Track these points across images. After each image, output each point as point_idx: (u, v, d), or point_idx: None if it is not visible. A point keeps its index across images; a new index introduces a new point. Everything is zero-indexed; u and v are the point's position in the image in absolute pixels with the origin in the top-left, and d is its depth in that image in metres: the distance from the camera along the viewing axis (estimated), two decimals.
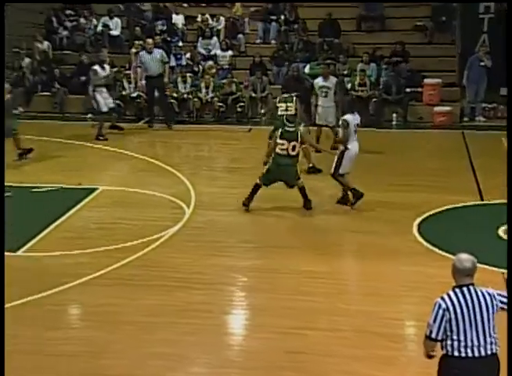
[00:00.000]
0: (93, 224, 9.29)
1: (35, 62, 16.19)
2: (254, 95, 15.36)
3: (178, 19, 17.28)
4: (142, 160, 12.31)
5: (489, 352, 4.32)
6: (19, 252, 8.26)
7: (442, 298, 4.37)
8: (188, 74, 15.60)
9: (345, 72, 15.47)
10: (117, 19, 17.04)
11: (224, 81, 15.63)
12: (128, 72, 15.50)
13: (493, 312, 4.37)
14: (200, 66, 16.02)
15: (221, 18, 17.09)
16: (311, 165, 11.27)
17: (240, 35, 16.89)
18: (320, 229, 9.28)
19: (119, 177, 11.50)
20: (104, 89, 13.57)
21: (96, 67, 13.53)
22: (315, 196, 9.86)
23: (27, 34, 17.03)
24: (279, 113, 11.23)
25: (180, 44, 16.85)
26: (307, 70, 15.67)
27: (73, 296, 7.36)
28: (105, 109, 13.59)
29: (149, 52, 14.28)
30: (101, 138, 13.47)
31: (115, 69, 15.72)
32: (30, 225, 9.10)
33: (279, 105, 11.43)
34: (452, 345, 4.35)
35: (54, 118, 14.99)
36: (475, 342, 4.30)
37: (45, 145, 12.72)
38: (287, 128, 9.57)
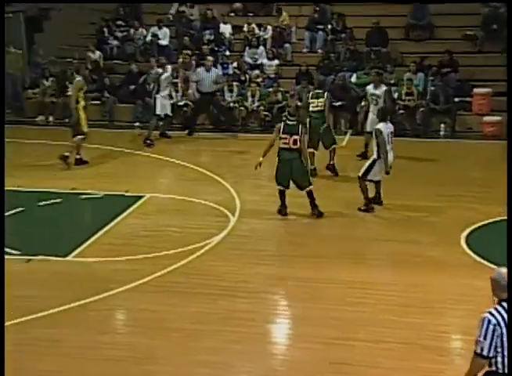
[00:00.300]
0: (140, 231, 9.41)
1: (87, 71, 16.53)
2: (299, 104, 15.34)
3: (226, 29, 17.43)
4: (188, 168, 12.43)
5: None
6: (69, 257, 8.45)
7: (491, 313, 4.30)
8: (234, 83, 15.70)
9: (392, 81, 15.34)
10: (165, 29, 17.29)
11: (270, 90, 15.68)
12: (175, 81, 15.69)
13: None
14: (247, 76, 16.11)
15: (268, 27, 17.17)
16: (313, 167, 11.41)
17: (287, 44, 16.93)
18: (361, 238, 9.20)
19: (165, 185, 11.65)
20: (166, 94, 14.06)
21: (159, 70, 14.01)
22: (348, 206, 9.83)
23: (79, 45, 17.43)
24: (311, 109, 11.38)
25: (227, 53, 17.00)
26: (353, 79, 15.62)
27: (119, 302, 7.47)
28: (160, 112, 13.89)
29: (207, 70, 14.61)
30: (148, 141, 13.68)
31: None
32: (80, 231, 9.29)
33: (310, 101, 11.64)
34: (502, 362, 4.28)
35: (103, 126, 15.24)
36: None
37: (94, 153, 12.96)
38: (288, 122, 9.62)
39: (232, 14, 18.04)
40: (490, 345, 4.25)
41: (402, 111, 14.57)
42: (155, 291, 7.60)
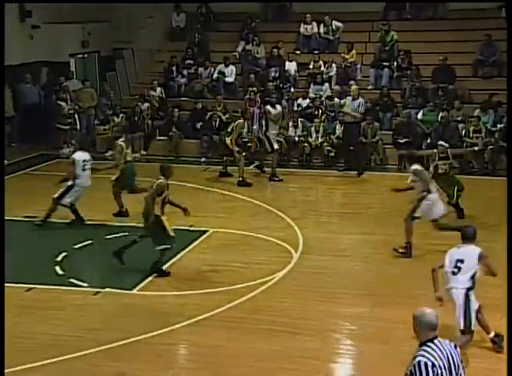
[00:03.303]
0: (203, 266, 9.49)
1: (152, 107, 17.00)
2: (364, 140, 15.31)
3: (291, 66, 17.63)
4: (252, 204, 12.50)
5: None
6: (134, 291, 8.59)
7: (424, 356, 4.18)
8: (299, 119, 15.81)
9: (459, 118, 15.12)
10: (232, 67, 17.63)
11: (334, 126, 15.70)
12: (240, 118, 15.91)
13: (459, 359, 4.29)
14: (320, 110, 16.11)
15: (333, 65, 17.28)
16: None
17: (352, 81, 16.96)
18: (428, 277, 8.95)
19: (228, 220, 11.72)
20: (275, 130, 14.38)
21: (268, 107, 14.39)
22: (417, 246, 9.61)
23: (147, 82, 17.97)
24: None
25: (292, 90, 17.16)
26: (419, 116, 15.48)
27: (182, 336, 7.53)
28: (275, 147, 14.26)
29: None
30: (276, 178, 13.97)
31: (227, 115, 16.23)
32: (145, 264, 9.41)
33: None
34: None
35: (169, 161, 15.52)
36: None
37: None
38: None
39: (298, 52, 18.26)
40: None
41: (469, 149, 14.31)
42: (218, 326, 7.61)
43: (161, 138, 16.59)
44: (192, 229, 10.90)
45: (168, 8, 19.34)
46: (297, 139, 15.63)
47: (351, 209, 12.22)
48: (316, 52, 17.80)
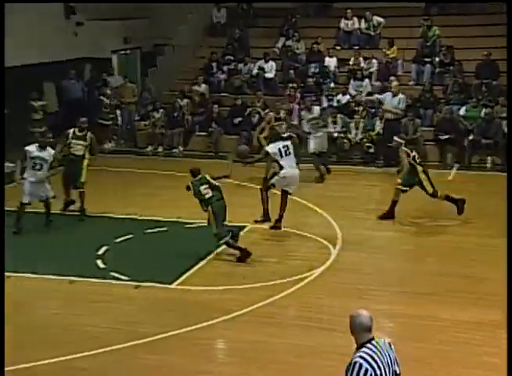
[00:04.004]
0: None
1: (194, 103, 17.13)
2: (405, 137, 15.14)
3: (331, 62, 17.56)
4: (291, 200, 12.48)
5: None
6: (173, 285, 8.68)
7: (362, 358, 4.20)
8: (339, 115, 15.74)
9: (504, 115, 14.85)
10: (271, 63, 17.64)
11: (375, 121, 15.59)
12: (278, 116, 15.92)
13: (394, 358, 4.34)
14: (360, 107, 16.01)
15: (374, 60, 17.14)
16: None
17: (393, 77, 16.80)
18: (468, 275, 8.88)
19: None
20: (318, 131, 14.13)
21: (304, 113, 14.29)
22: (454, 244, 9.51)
23: (187, 78, 18.11)
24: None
25: (332, 85, 17.10)
26: (462, 112, 15.26)
27: (220, 331, 7.59)
28: (311, 151, 14.03)
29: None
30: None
31: (267, 111, 16.25)
32: (184, 259, 9.54)
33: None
34: None
35: (209, 157, 15.65)
36: None
37: None
38: None
39: (338, 47, 18.17)
40: None
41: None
42: (255, 322, 7.66)
43: (201, 133, 16.72)
44: (230, 224, 10.96)
45: (209, 4, 19.45)
46: (336, 135, 15.57)
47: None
48: (357, 47, 17.70)
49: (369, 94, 16.00)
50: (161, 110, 16.96)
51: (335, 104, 16.36)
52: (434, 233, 10.39)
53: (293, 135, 15.24)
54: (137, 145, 16.99)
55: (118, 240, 10.13)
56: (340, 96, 16.45)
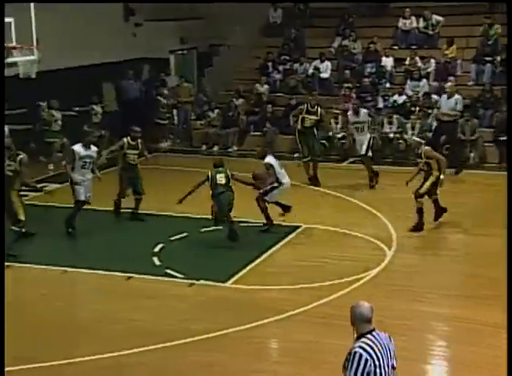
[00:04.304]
0: (295, 261, 9.55)
1: (249, 103, 17.21)
2: (463, 137, 14.87)
3: (388, 62, 17.37)
4: (345, 200, 12.44)
5: None
6: (227, 283, 8.75)
7: (362, 348, 4.23)
8: (395, 116, 15.56)
9: None
10: (327, 63, 17.57)
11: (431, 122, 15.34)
12: (336, 112, 15.86)
13: (393, 351, 4.40)
14: (417, 108, 15.78)
15: (432, 60, 16.86)
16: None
17: (451, 77, 16.49)
18: None
19: (321, 216, 11.71)
20: (362, 134, 13.49)
21: (350, 113, 13.71)
22: None
23: (243, 78, 18.21)
24: None
25: (388, 86, 16.91)
26: None
27: (273, 330, 7.61)
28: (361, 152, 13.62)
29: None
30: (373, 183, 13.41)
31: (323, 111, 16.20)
32: (238, 258, 9.60)
33: None
34: None
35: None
36: None
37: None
38: None
39: (396, 47, 17.96)
40: None
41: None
42: (308, 322, 7.65)
43: (255, 133, 16.78)
44: (284, 224, 10.98)
45: (265, 4, 19.49)
46: (391, 135, 15.40)
47: (447, 207, 11.92)
48: (414, 47, 17.44)
49: (426, 94, 15.73)
50: (216, 110, 17.10)
51: (391, 104, 16.19)
52: (490, 237, 10.14)
53: (349, 137, 15.26)
54: (192, 144, 17.18)
55: (173, 238, 10.27)
56: (396, 96, 16.26)
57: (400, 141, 15.27)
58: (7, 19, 9.70)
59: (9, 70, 10.79)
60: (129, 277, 8.90)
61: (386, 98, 16.39)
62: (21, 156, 9.78)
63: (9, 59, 9.99)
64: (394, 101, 16.22)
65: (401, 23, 17.92)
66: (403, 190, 13.37)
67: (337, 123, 15.93)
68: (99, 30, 16.44)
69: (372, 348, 4.25)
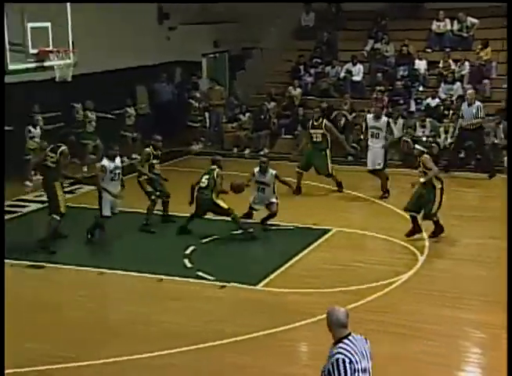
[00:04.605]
0: (326, 264, 9.52)
1: (281, 106, 17.23)
2: (496, 141, 14.69)
3: (421, 65, 17.24)
4: (376, 204, 12.37)
5: None
6: (258, 286, 8.76)
7: (342, 354, 4.31)
8: (427, 119, 15.43)
9: None
10: (359, 66, 17.51)
11: None
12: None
13: (369, 352, 4.45)
14: (450, 111, 15.62)
15: (466, 63, 16.69)
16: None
17: (486, 80, 16.32)
18: None
19: (352, 219, 11.68)
20: (376, 142, 12.72)
21: (370, 116, 12.84)
22: None
23: (275, 81, 18.24)
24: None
25: (421, 89, 16.78)
26: None
27: (304, 333, 7.60)
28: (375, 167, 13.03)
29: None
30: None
31: (354, 114, 16.16)
32: (269, 261, 9.62)
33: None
34: None
35: (293, 160, 15.67)
36: None
37: (280, 185, 13.12)
38: None
39: (429, 50, 17.82)
40: None
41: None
42: None
43: (287, 136, 16.79)
44: (315, 227, 10.98)
45: (298, 7, 19.51)
46: (424, 139, 15.27)
47: (479, 212, 11.81)
48: (448, 49, 17.28)
49: (460, 97, 15.54)
50: (248, 114, 17.15)
51: (423, 108, 16.07)
52: None
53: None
54: (224, 147, 17.26)
55: (205, 240, 10.33)
56: (429, 100, 16.13)
57: (433, 145, 15.13)
58: (44, 24, 9.89)
59: (45, 73, 10.97)
60: (161, 279, 8.98)
61: (419, 101, 16.28)
62: (62, 147, 9.97)
63: (46, 63, 10.16)
64: (428, 104, 16.09)
65: (434, 25, 17.78)
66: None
67: None
68: (134, 33, 16.63)
69: (350, 352, 4.33)
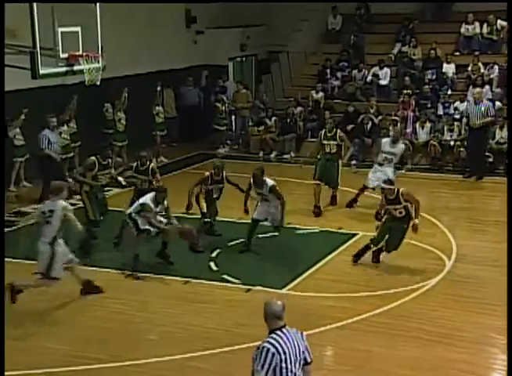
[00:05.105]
0: (353, 269, 9.48)
1: (307, 109, 17.21)
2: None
3: (449, 68, 17.09)
4: None
5: None
6: (283, 290, 8.75)
7: (269, 343, 4.53)
8: (456, 123, 15.29)
9: None
10: (386, 69, 17.42)
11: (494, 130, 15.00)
12: (394, 118, 15.71)
13: (304, 347, 4.64)
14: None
15: (495, 66, 16.51)
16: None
17: None
18: None
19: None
20: (385, 166, 11.79)
21: (386, 140, 12.01)
22: None
23: (301, 85, 18.22)
24: None
25: (449, 92, 16.64)
26: None
27: (331, 338, 7.58)
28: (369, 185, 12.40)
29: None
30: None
31: (380, 117, 16.08)
32: (295, 264, 9.59)
33: None
34: None
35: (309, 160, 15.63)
36: None
37: (309, 188, 13.07)
38: None
39: (457, 53, 17.66)
40: (266, 373, 4.49)
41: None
42: (366, 331, 7.59)
43: (313, 140, 16.73)
44: (341, 231, 10.94)
45: (325, 11, 19.49)
46: (452, 143, 15.14)
47: (504, 217, 11.64)
48: (477, 53, 17.11)
49: (490, 100, 15.35)
50: (274, 118, 17.15)
51: (451, 111, 15.93)
52: None
53: (407, 143, 14.97)
54: (250, 150, 17.29)
55: (231, 243, 10.35)
56: (457, 103, 15.97)
57: (461, 149, 15.00)
58: (74, 29, 10.02)
59: (74, 77, 11.11)
60: (186, 282, 9.02)
61: (446, 105, 16.13)
62: (89, 160, 10.12)
63: (76, 67, 10.28)
64: (456, 108, 15.95)
65: (463, 28, 17.63)
66: (464, 199, 13.19)
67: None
68: (161, 37, 16.77)
69: (279, 343, 4.53)
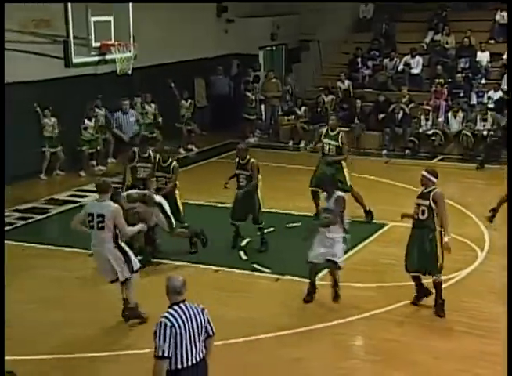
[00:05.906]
0: (382, 259, 9.45)
1: (337, 99, 17.10)
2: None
3: (483, 57, 16.82)
4: None
5: (202, 357, 4.87)
6: None
7: (166, 317, 4.73)
8: (489, 112, 15.06)
9: None
10: (418, 58, 17.21)
11: None
12: (426, 107, 15.54)
13: (204, 321, 4.87)
14: None
15: None
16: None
17: None
18: None
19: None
20: None
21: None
22: None
23: (332, 74, 18.13)
24: None
25: (483, 81, 16.38)
26: None
27: (359, 328, 7.59)
28: None
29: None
30: None
31: (412, 104, 15.91)
32: None
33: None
34: (176, 359, 4.72)
35: (351, 153, 15.54)
36: (193, 351, 4.79)
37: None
38: None
39: (492, 41, 17.36)
40: (169, 346, 4.68)
41: None
42: (395, 321, 7.57)
43: (343, 129, 16.61)
44: (371, 221, 10.88)
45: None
46: (485, 133, 14.93)
47: None
48: None
49: None
50: (303, 107, 17.08)
51: (485, 101, 15.69)
52: None
53: (438, 132, 14.82)
54: (280, 139, 17.27)
55: (260, 233, 10.35)
56: (491, 92, 15.73)
57: (494, 138, 14.78)
58: (107, 18, 10.11)
59: (106, 66, 11.22)
60: (216, 270, 9.07)
61: (480, 94, 15.89)
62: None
63: (108, 56, 10.38)
64: (489, 97, 15.70)
65: (498, 15, 17.31)
66: (498, 189, 12.98)
67: (427, 119, 15.58)
68: (192, 26, 16.80)
69: (175, 317, 4.73)
